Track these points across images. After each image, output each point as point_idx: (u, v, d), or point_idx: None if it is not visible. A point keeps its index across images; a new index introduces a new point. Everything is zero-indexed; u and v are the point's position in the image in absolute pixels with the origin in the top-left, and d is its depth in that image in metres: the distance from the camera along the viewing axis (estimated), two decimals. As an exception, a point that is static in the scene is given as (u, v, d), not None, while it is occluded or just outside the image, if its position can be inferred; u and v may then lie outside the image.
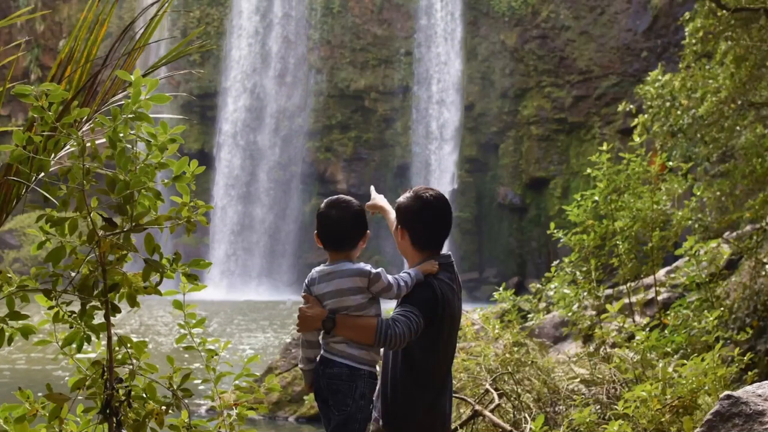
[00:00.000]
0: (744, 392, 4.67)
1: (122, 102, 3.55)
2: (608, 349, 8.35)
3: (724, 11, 11.98)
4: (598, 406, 7.19)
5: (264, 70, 42.01)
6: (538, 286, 10.27)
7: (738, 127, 11.96)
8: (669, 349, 8.19)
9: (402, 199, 3.98)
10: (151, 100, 3.51)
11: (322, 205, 3.87)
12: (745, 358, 7.35)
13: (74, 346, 3.65)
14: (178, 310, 3.94)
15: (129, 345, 3.70)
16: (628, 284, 10.58)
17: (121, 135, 3.50)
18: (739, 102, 11.88)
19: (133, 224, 3.53)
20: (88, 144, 3.45)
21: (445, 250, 3.97)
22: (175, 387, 3.82)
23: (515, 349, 7.84)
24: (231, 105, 41.62)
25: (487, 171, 41.04)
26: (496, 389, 7.55)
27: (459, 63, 41.00)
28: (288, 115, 41.95)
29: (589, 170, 10.54)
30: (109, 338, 3.59)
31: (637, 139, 11.05)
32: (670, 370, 6.65)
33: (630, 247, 10.18)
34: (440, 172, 40.40)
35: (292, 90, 41.96)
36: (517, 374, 7.56)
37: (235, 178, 41.32)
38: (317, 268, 3.82)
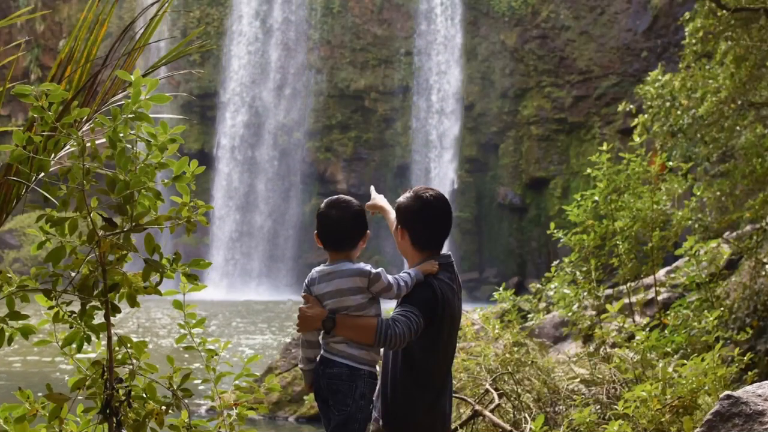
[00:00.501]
0: (744, 392, 4.67)
1: (122, 102, 3.55)
2: (608, 349, 8.35)
3: (724, 11, 11.98)
4: (598, 406, 7.19)
5: (263, 81, 41.92)
6: (538, 286, 10.27)
7: (738, 127, 11.95)
8: (669, 349, 8.19)
9: (402, 199, 3.98)
10: (151, 100, 3.51)
11: (322, 205, 3.87)
12: (745, 358, 7.35)
13: (74, 346, 3.65)
14: (178, 310, 3.94)
15: (129, 345, 3.70)
16: (628, 284, 10.58)
17: (121, 135, 3.50)
18: (739, 102, 11.88)
19: (133, 224, 3.54)
20: (88, 144, 3.45)
21: (445, 250, 3.97)
22: (175, 387, 3.82)
23: (515, 349, 7.84)
24: (229, 120, 41.53)
25: (487, 171, 41.04)
26: (496, 389, 7.55)
27: (459, 72, 40.98)
28: (286, 130, 41.92)
29: (589, 170, 10.53)
30: (109, 338, 3.59)
31: (637, 139, 11.04)
32: (670, 370, 6.65)
33: (630, 247, 10.17)
34: (440, 179, 40.38)
35: (291, 104, 41.91)
36: (517, 374, 7.56)
37: (233, 190, 41.34)
38: (317, 268, 3.82)
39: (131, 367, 3.68)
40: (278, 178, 41.72)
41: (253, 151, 41.61)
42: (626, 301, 10.40)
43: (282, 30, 42.16)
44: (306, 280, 3.84)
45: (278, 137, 41.76)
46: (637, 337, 7.53)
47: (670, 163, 11.21)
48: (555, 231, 9.87)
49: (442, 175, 40.61)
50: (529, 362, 7.69)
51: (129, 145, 3.52)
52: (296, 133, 41.88)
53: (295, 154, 41.83)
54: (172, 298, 3.85)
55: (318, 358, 3.80)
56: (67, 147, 3.54)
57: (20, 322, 3.51)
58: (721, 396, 4.72)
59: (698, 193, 10.71)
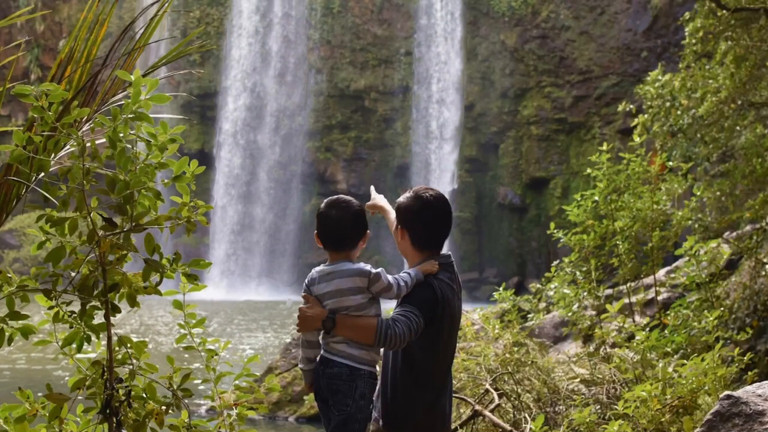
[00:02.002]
0: (744, 392, 4.67)
1: (122, 102, 3.55)
2: (608, 349, 8.35)
3: (724, 11, 11.98)
4: (598, 406, 7.19)
5: (264, 69, 41.97)
6: (538, 286, 10.27)
7: (738, 127, 11.95)
8: (669, 349, 8.19)
9: (402, 199, 3.98)
10: (151, 100, 3.51)
11: (322, 205, 3.87)
12: (745, 358, 7.35)
13: (74, 346, 3.65)
14: (178, 310, 3.94)
15: (129, 345, 3.70)
16: (628, 284, 10.58)
17: (121, 135, 3.50)
18: (739, 102, 11.88)
19: (133, 224, 3.53)
20: (88, 144, 3.45)
21: (445, 250, 3.98)
22: (175, 387, 3.82)
23: (515, 349, 7.84)
24: (231, 104, 41.60)
25: (487, 171, 41.04)
26: (496, 389, 7.55)
27: (459, 62, 40.98)
28: (288, 114, 41.94)
29: (589, 170, 10.53)
30: (109, 338, 3.59)
31: (637, 139, 11.04)
32: (670, 370, 6.64)
33: (630, 247, 10.17)
34: (440, 171, 40.39)
35: (292, 89, 41.94)
36: (517, 374, 7.56)
37: (235, 177, 41.32)
38: (317, 268, 3.82)
39: (131, 367, 3.68)
40: (279, 166, 41.68)
41: (255, 134, 41.62)
42: (626, 301, 10.40)
43: (282, 24, 42.20)
44: (306, 280, 3.84)
45: (280, 121, 41.77)
46: (637, 337, 7.53)
47: (670, 163, 11.21)
48: (555, 231, 9.87)
49: (442, 167, 40.60)
50: (529, 362, 7.69)
51: (129, 145, 3.52)
52: (298, 117, 41.87)
53: (296, 140, 41.82)
54: (172, 298, 3.85)
55: (318, 358, 3.80)
56: (67, 147, 3.54)
57: (20, 322, 3.51)
58: (721, 396, 4.72)
59: (698, 193, 10.70)
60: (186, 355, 14.58)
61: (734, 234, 12.85)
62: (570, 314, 9.28)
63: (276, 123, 41.76)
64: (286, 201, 41.62)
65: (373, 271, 3.70)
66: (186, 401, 3.85)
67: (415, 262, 3.90)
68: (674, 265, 13.20)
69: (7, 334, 3.50)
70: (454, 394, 5.43)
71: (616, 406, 6.60)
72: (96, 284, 3.57)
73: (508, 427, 6.98)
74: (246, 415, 4.10)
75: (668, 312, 9.68)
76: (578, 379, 7.71)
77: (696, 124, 11.93)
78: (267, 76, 41.90)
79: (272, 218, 41.40)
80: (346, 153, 41.57)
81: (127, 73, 3.53)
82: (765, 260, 10.22)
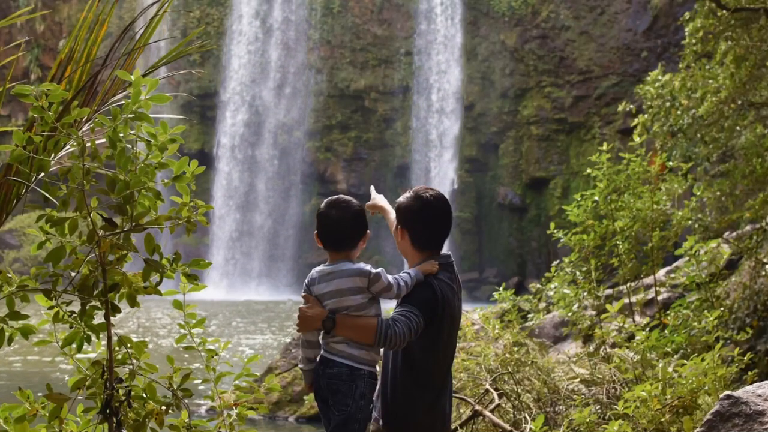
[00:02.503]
0: (744, 392, 4.67)
1: (122, 102, 3.55)
2: (608, 349, 8.35)
3: (724, 11, 11.98)
4: (598, 406, 7.19)
5: (263, 80, 41.89)
6: (538, 286, 10.27)
7: (738, 127, 11.95)
8: (669, 349, 8.19)
9: (402, 199, 3.98)
10: (151, 100, 3.51)
11: (322, 205, 3.87)
12: (745, 358, 7.35)
13: (74, 346, 3.65)
14: (178, 310, 3.94)
15: (129, 345, 3.70)
16: (628, 284, 10.58)
17: (121, 135, 3.50)
18: (739, 102, 11.88)
19: (133, 224, 3.53)
20: (88, 144, 3.45)
21: (445, 250, 3.98)
22: (175, 387, 3.82)
23: (515, 349, 7.84)
24: (229, 119, 41.50)
25: (487, 171, 41.03)
26: (496, 389, 7.55)
27: (459, 71, 40.96)
28: (287, 129, 41.90)
29: (589, 170, 10.53)
30: (109, 338, 3.59)
31: (637, 139, 11.04)
32: (670, 370, 6.65)
33: (630, 247, 10.17)
34: (440, 178, 40.37)
35: (291, 103, 41.88)
36: (517, 374, 7.56)
37: (234, 189, 41.31)
38: (317, 268, 3.82)
39: (131, 367, 3.68)
40: (278, 177, 41.70)
41: (253, 150, 41.59)
42: (626, 301, 10.39)
43: (282, 30, 42.12)
44: (306, 280, 3.84)
45: (278, 136, 41.75)
46: (637, 337, 7.53)
47: (670, 163, 11.21)
48: (555, 231, 9.87)
49: (442, 174, 40.60)
50: (529, 362, 7.69)
51: (129, 145, 3.52)
52: (296, 132, 41.86)
53: (295, 153, 41.80)
54: (172, 298, 3.85)
55: (318, 358, 3.80)
56: (67, 147, 3.54)
57: (20, 322, 3.51)
58: (721, 396, 4.72)
59: (698, 193, 10.70)
60: (186, 355, 14.58)
61: (734, 234, 12.85)
62: (570, 314, 9.28)
63: (274, 138, 41.72)
64: (284, 207, 41.62)
65: (373, 271, 3.70)
66: (186, 401, 3.85)
67: (415, 262, 3.90)
68: (674, 265, 13.20)
69: (7, 334, 3.50)
70: (454, 394, 5.43)
71: (616, 406, 6.60)
72: (96, 284, 3.57)
73: (508, 427, 6.98)
74: (246, 415, 4.10)
75: (668, 312, 9.68)
76: (578, 379, 7.71)
77: (696, 124, 11.93)
78: (266, 87, 41.82)
79: (271, 224, 41.40)
80: (346, 153, 41.56)
81: (127, 73, 3.53)
82: (765, 260, 10.22)
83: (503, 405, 7.49)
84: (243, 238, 41.01)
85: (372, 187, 4.49)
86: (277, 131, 41.78)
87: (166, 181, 3.62)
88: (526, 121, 40.04)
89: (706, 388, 6.37)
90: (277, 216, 41.49)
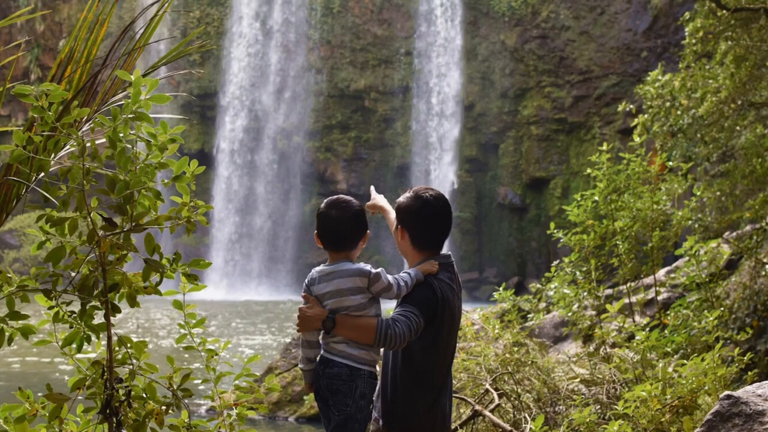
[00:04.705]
0: (744, 392, 4.67)
1: (122, 102, 3.55)
2: (608, 349, 8.34)
3: (724, 11, 11.98)
4: (598, 406, 7.19)
5: (263, 84, 41.84)
6: (538, 286, 10.26)
7: (738, 127, 11.95)
8: (669, 349, 8.18)
9: (402, 198, 3.98)
10: (151, 100, 3.51)
11: (322, 205, 3.87)
12: (745, 358, 7.34)
13: (74, 346, 3.65)
14: (178, 310, 3.94)
15: (129, 345, 3.70)
16: (628, 284, 10.57)
17: (121, 135, 3.50)
18: (739, 102, 11.88)
19: (133, 224, 3.53)
20: (88, 144, 3.45)
21: (445, 250, 3.98)
22: (175, 387, 3.82)
23: (515, 349, 7.84)
24: (229, 125, 41.47)
25: (487, 171, 41.03)
26: (496, 389, 7.55)
27: (458, 74, 40.95)
28: (286, 134, 41.88)
29: (589, 170, 10.53)
30: (109, 338, 3.59)
31: (637, 139, 11.04)
32: (670, 370, 6.65)
33: (630, 247, 10.17)
34: (440, 180, 40.36)
35: (291, 107, 41.85)
36: (517, 374, 7.56)
37: (233, 193, 41.32)
38: (317, 268, 3.82)
39: (131, 367, 3.68)
40: (278, 180, 41.71)
41: (253, 155, 41.59)
42: (626, 301, 10.39)
43: (282, 32, 42.08)
44: (306, 280, 3.84)
45: (278, 141, 41.74)
46: (637, 337, 7.53)
47: (670, 163, 11.21)
48: (555, 231, 9.87)
49: (441, 176, 40.61)
50: (529, 362, 7.69)
51: (129, 145, 3.52)
52: (296, 137, 41.85)
53: (294, 157, 41.79)
54: (172, 298, 3.85)
55: (318, 358, 3.80)
56: (67, 147, 3.54)
57: (20, 322, 3.51)
58: (721, 396, 4.73)
59: (698, 193, 10.70)
60: (186, 355, 14.58)
61: (734, 234, 12.85)
62: (570, 314, 9.28)
63: (273, 143, 41.70)
64: (284, 209, 41.61)
65: (373, 271, 3.70)
66: (186, 401, 3.85)
67: (415, 262, 3.90)
68: (674, 265, 13.20)
69: (7, 334, 3.50)
70: (454, 394, 5.43)
71: (616, 406, 6.59)
72: (96, 284, 3.57)
73: (508, 427, 6.98)
74: (246, 415, 4.10)
75: (668, 312, 9.68)
76: (578, 379, 7.71)
77: (696, 124, 11.93)
78: (266, 92, 41.77)
79: (270, 225, 41.39)
80: (346, 153, 41.55)
81: (127, 73, 3.53)
82: (765, 260, 10.22)
83: (503, 405, 7.49)
84: (242, 240, 41.02)
85: (372, 187, 4.49)
86: (276, 136, 41.78)
87: (166, 181, 3.62)
88: (526, 121, 40.04)
89: (706, 388, 6.37)
90: (276, 218, 41.49)
